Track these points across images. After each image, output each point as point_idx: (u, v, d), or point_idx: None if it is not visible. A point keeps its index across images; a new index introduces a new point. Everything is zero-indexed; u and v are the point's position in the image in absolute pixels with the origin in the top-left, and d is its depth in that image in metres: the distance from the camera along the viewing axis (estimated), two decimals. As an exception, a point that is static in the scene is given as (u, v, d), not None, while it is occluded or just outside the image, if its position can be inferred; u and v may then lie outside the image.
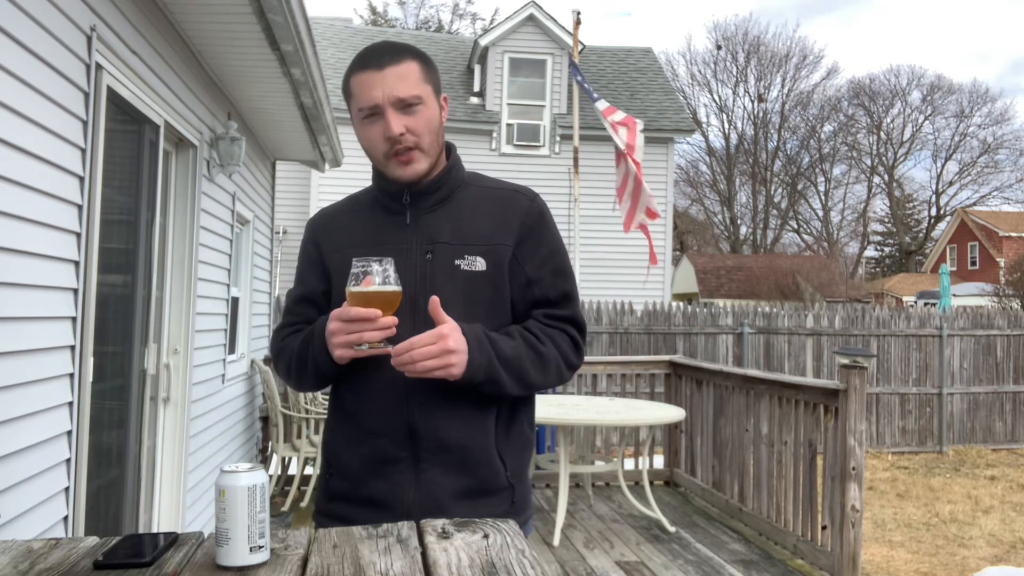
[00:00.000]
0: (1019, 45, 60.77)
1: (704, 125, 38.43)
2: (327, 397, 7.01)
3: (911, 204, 41.36)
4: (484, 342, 1.50)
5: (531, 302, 1.61)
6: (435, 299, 1.46)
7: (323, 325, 1.51)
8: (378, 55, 1.54)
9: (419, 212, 1.59)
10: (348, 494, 1.58)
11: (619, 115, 8.62)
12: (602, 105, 8.72)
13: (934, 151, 39.58)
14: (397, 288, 1.44)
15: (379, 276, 1.42)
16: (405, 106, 1.52)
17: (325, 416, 6.46)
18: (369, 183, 1.71)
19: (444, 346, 1.43)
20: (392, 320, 1.44)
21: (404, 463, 1.54)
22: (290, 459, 6.63)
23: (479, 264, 1.56)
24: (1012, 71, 61.23)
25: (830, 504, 4.39)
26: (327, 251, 1.64)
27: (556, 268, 1.63)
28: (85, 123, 2.73)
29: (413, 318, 1.53)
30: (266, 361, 6.69)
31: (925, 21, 66.94)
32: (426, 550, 1.13)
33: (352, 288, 1.43)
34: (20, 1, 2.24)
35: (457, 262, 1.55)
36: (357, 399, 1.58)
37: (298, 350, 1.59)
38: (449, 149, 1.66)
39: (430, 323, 1.47)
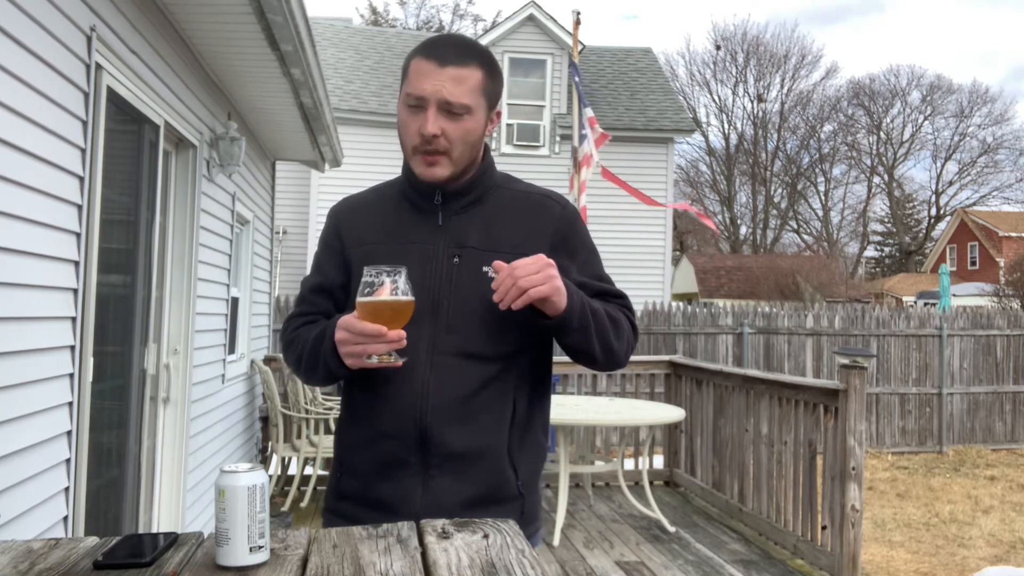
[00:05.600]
0: (1021, 51, 60.82)
1: (704, 125, 38.45)
2: (327, 397, 7.03)
3: (911, 204, 41.36)
4: (573, 287, 1.46)
5: None
6: (499, 263, 1.42)
7: (335, 327, 1.46)
8: (445, 49, 1.49)
9: (449, 213, 1.56)
10: (357, 495, 1.56)
11: (597, 131, 8.76)
12: (589, 113, 8.82)
13: (934, 151, 39.63)
14: (408, 299, 1.41)
15: (390, 286, 1.39)
16: (450, 110, 1.48)
17: (325, 416, 6.40)
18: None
19: (544, 261, 1.39)
20: (400, 334, 1.39)
21: (413, 467, 1.50)
22: (290, 459, 6.63)
23: None
24: (1014, 76, 61.25)
25: (830, 504, 4.39)
26: (349, 244, 1.60)
27: (595, 273, 1.62)
28: (85, 123, 2.73)
29: (434, 322, 1.50)
30: (266, 361, 6.68)
31: (926, 27, 66.96)
32: (426, 550, 1.13)
33: (361, 298, 1.40)
34: (20, 1, 2.24)
35: (484, 268, 1.50)
36: (369, 399, 1.54)
37: (310, 347, 1.54)
38: (485, 150, 1.61)
39: (453, 327, 1.46)
